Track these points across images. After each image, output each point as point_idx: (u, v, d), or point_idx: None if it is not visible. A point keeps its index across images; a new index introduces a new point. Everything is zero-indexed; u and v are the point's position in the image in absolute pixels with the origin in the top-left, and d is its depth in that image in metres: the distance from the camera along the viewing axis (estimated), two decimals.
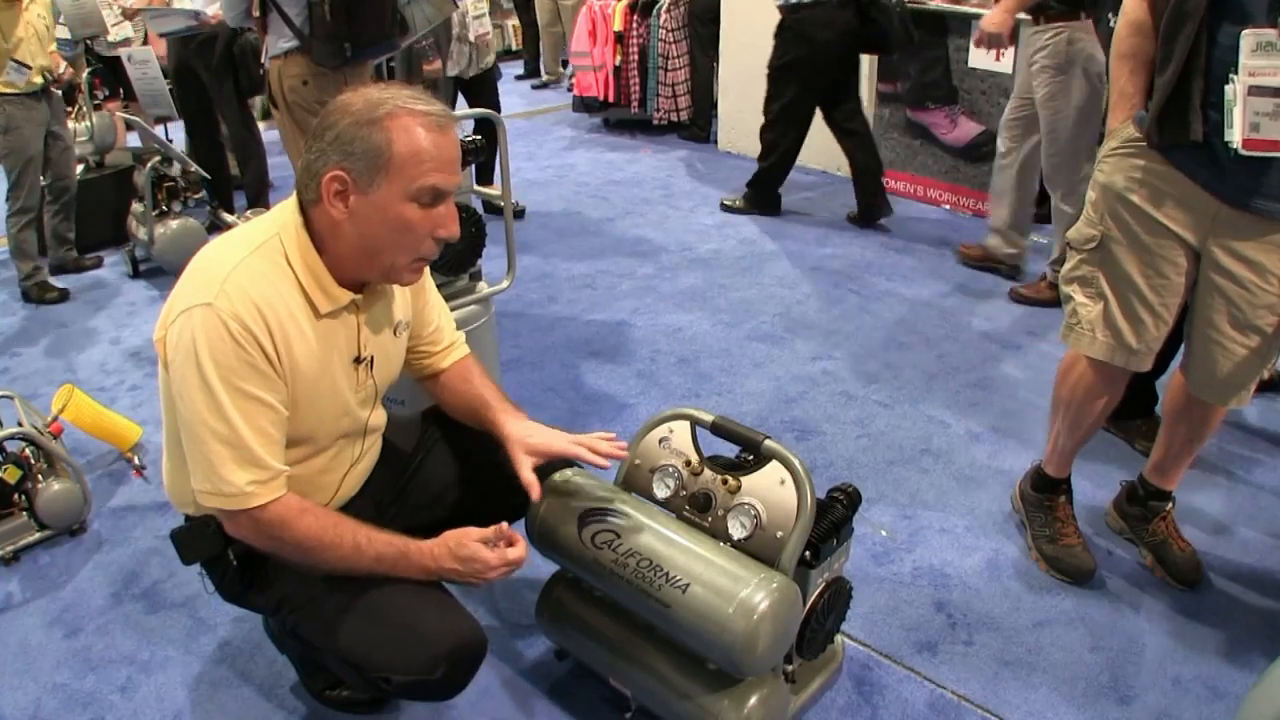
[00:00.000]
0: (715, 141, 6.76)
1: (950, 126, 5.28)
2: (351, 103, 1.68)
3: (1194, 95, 2.00)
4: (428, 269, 2.05)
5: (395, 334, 1.96)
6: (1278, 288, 2.12)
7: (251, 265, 1.69)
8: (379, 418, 2.02)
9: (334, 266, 1.75)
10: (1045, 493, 2.64)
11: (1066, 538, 2.58)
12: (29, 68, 4.25)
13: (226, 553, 1.85)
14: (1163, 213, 2.15)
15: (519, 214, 5.36)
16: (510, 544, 1.81)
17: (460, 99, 5.46)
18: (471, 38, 5.05)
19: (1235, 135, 1.93)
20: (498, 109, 5.35)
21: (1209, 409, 2.39)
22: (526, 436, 1.96)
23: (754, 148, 6.15)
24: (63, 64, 4.58)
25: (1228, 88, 1.93)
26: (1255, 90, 1.91)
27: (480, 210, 2.81)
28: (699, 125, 6.99)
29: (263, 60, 3.54)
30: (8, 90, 4.25)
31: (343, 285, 1.77)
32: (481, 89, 5.38)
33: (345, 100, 1.70)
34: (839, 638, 2.21)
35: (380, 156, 1.64)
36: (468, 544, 1.78)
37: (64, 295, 4.53)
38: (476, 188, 2.91)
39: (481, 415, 2.05)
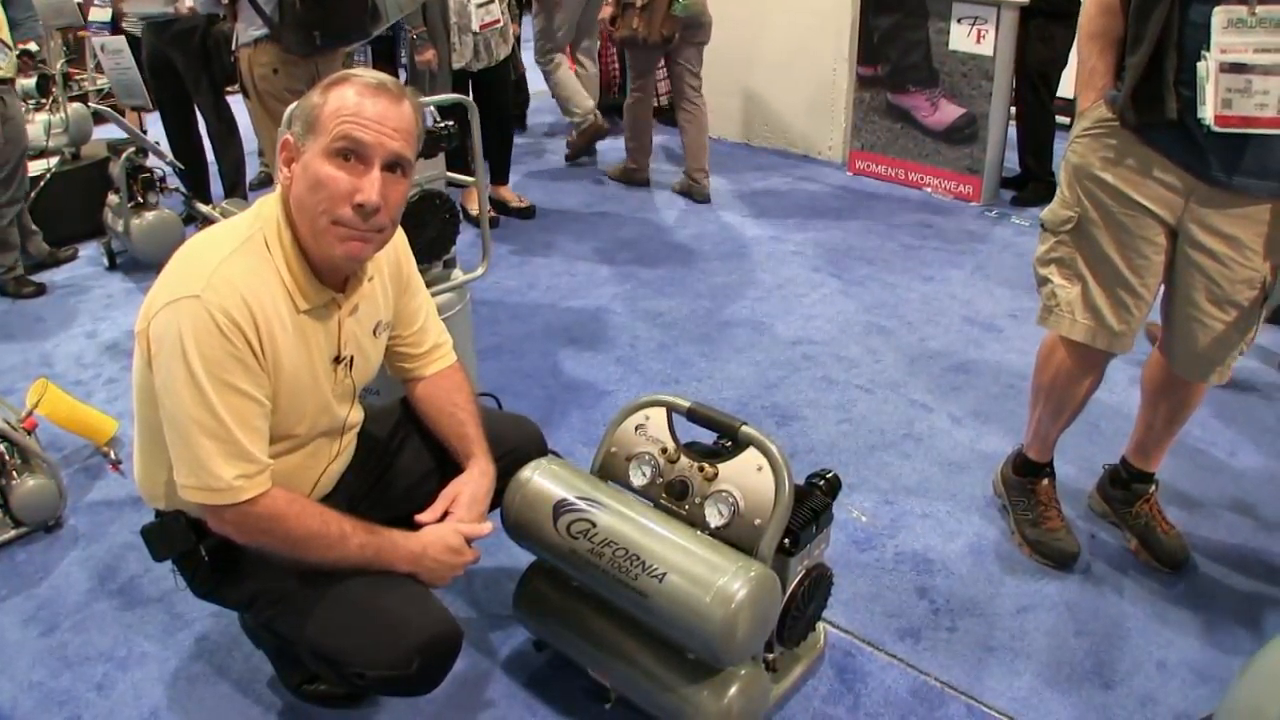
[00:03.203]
0: None
1: (931, 110, 5.26)
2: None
3: (1167, 73, 1.99)
4: (411, 258, 2.04)
5: (375, 334, 1.95)
6: (1255, 262, 2.11)
7: (238, 259, 1.68)
8: (356, 415, 2.01)
9: (310, 256, 1.74)
10: (1027, 476, 2.63)
11: (1049, 521, 2.57)
12: (10, 47, 4.10)
13: (198, 548, 1.84)
14: (1139, 192, 2.14)
15: (500, 205, 5.30)
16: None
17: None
18: (475, 27, 4.57)
19: (1208, 112, 1.93)
20: (507, 106, 5.12)
21: (1189, 387, 2.38)
22: (460, 486, 1.97)
23: (731, 131, 6.22)
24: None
25: (1200, 65, 1.92)
26: (1227, 67, 1.90)
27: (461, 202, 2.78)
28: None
29: (233, 48, 3.50)
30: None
31: (324, 282, 1.77)
32: (491, 84, 4.84)
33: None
34: (820, 625, 2.20)
35: (313, 114, 1.67)
36: (457, 536, 1.86)
37: (41, 289, 4.47)
38: (449, 174, 2.88)
39: (455, 445, 2.05)
